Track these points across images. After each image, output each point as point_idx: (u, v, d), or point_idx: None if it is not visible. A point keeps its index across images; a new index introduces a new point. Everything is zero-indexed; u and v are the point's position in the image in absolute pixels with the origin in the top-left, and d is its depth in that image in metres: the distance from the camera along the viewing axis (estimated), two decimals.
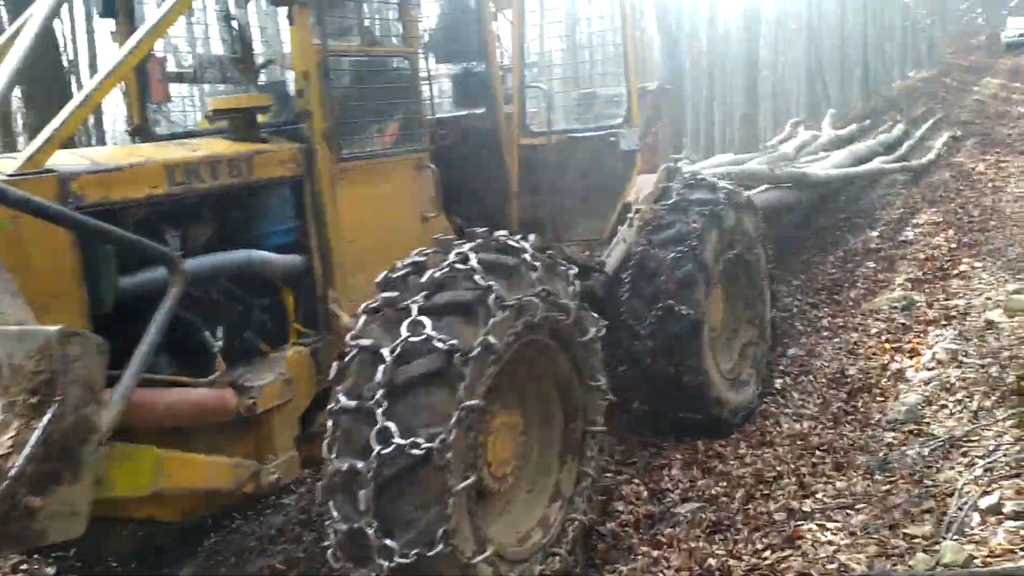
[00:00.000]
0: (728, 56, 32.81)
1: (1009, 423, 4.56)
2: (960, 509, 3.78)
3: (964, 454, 4.41)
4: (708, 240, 5.08)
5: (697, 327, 5.00)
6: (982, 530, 3.60)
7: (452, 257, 3.23)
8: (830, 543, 3.85)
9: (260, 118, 3.90)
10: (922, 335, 6.52)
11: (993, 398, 5.02)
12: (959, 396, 5.24)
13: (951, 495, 3.95)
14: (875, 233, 9.84)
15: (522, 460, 3.78)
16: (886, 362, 6.16)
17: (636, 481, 4.84)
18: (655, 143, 6.34)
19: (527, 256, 3.40)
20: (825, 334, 7.10)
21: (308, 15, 3.71)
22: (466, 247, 3.29)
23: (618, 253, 5.20)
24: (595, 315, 3.87)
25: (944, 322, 6.63)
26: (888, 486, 4.30)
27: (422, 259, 3.28)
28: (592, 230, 5.13)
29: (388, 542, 2.83)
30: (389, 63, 4.34)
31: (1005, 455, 4.17)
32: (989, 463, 4.14)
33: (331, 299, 3.87)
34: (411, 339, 2.96)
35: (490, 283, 3.12)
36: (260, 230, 3.74)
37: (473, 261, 3.19)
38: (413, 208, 4.30)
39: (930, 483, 4.18)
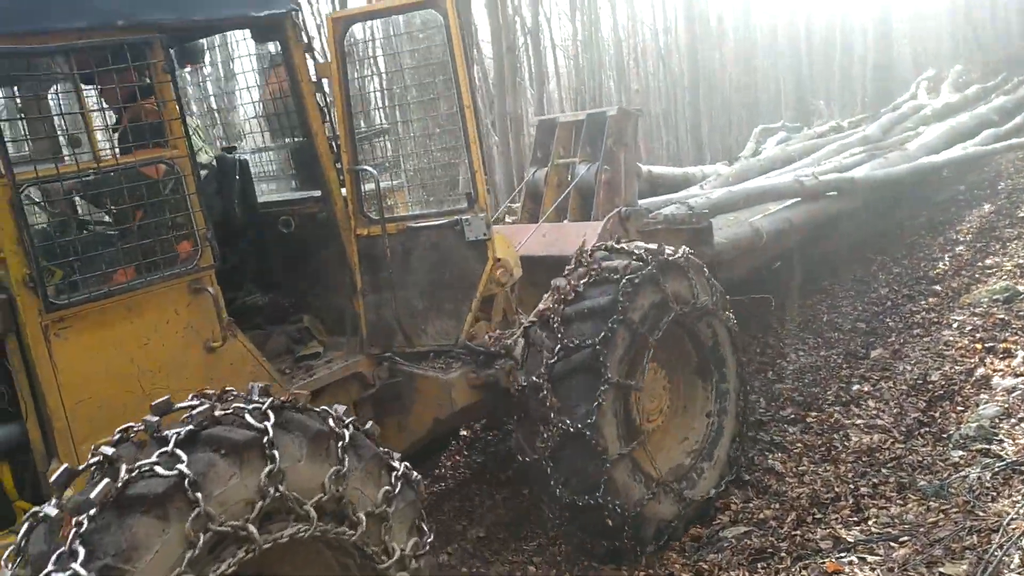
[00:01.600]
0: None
1: None
2: (1000, 548, 3.66)
3: None
4: (614, 344, 4.25)
5: (595, 448, 4.17)
6: (1020, 574, 3.49)
7: (152, 447, 2.62)
8: None
9: None
10: (1020, 333, 6.17)
11: None
12: None
13: (997, 531, 3.82)
14: (990, 208, 9.22)
15: None
16: (973, 365, 5.88)
17: None
18: (615, 178, 5.74)
19: (267, 431, 2.72)
20: (916, 332, 6.81)
21: None
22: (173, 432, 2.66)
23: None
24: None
25: None
26: (939, 515, 4.19)
27: (111, 451, 2.63)
28: (444, 333, 4.43)
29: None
30: (133, 175, 3.52)
31: None
32: None
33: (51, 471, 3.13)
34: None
35: (190, 475, 2.51)
36: None
37: (175, 449, 2.59)
38: (188, 342, 3.67)
39: (981, 514, 4.05)
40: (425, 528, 3.19)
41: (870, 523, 4.34)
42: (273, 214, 4.71)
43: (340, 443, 2.88)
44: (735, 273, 6.98)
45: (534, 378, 4.24)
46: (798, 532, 4.41)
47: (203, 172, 4.28)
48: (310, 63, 4.32)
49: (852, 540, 4.18)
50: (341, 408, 3.07)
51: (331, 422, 2.93)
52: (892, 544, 4.05)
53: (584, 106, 27.21)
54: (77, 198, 3.89)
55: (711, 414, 4.98)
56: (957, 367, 5.93)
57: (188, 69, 5.11)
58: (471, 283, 4.37)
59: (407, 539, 3.08)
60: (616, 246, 4.63)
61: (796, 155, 10.63)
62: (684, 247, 4.81)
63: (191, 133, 4.21)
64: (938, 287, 7.60)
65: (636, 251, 4.49)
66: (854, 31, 31.14)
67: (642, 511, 4.34)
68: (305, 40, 4.21)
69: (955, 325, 6.68)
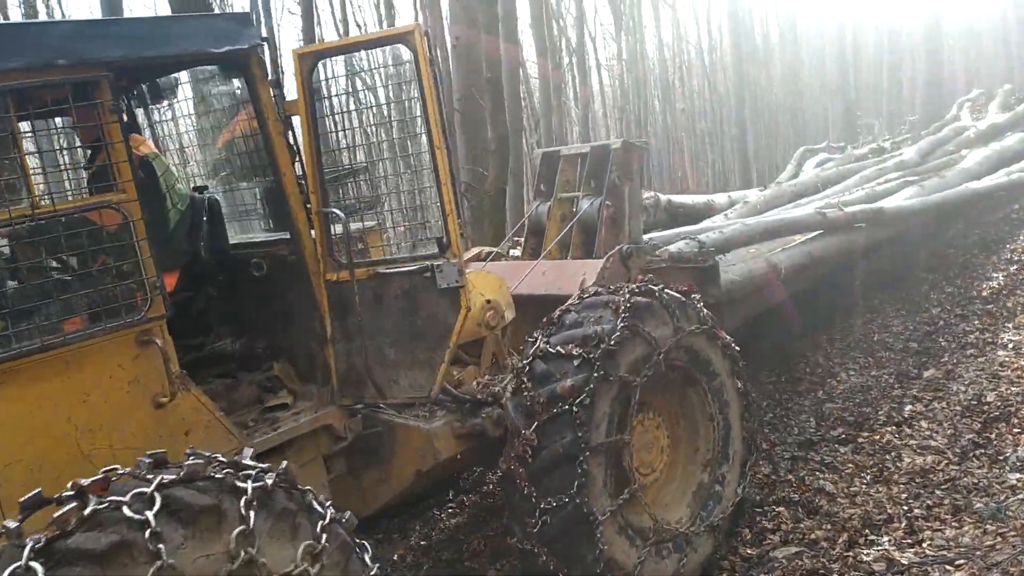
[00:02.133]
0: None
1: None
2: None
3: None
4: (598, 405, 4.02)
5: (584, 518, 3.94)
6: None
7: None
8: None
9: None
10: None
11: None
12: None
13: None
14: None
15: None
16: None
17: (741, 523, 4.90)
18: (619, 214, 5.50)
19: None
20: (970, 352, 6.70)
21: None
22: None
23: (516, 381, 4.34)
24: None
25: None
26: (996, 538, 4.12)
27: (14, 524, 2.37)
28: (417, 385, 4.15)
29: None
30: (77, 221, 3.33)
31: None
32: None
33: None
34: None
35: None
36: None
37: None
38: (133, 397, 3.43)
39: None
40: None
41: (924, 545, 4.28)
42: (244, 256, 4.49)
43: (243, 499, 2.60)
44: (751, 311, 6.75)
45: (514, 465, 4.01)
46: (850, 553, 4.37)
47: (174, 211, 4.16)
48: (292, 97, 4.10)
49: (906, 562, 4.13)
50: (248, 452, 2.89)
51: (235, 478, 2.65)
52: (948, 567, 4.00)
53: (629, 126, 27.27)
54: (19, 244, 3.58)
55: (713, 417, 4.70)
56: (1013, 388, 5.82)
57: (159, 106, 4.92)
58: (444, 333, 4.05)
59: None
60: (590, 299, 4.35)
61: (831, 180, 10.32)
62: (658, 283, 4.50)
63: (167, 170, 4.20)
64: (992, 307, 7.46)
65: (611, 303, 4.21)
66: (903, 48, 30.79)
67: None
68: (272, 76, 4.01)
69: (1010, 345, 6.55)
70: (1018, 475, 4.71)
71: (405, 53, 3.93)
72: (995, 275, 8.22)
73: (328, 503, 2.90)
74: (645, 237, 6.44)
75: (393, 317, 4.10)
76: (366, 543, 3.00)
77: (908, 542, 4.36)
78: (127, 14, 12.66)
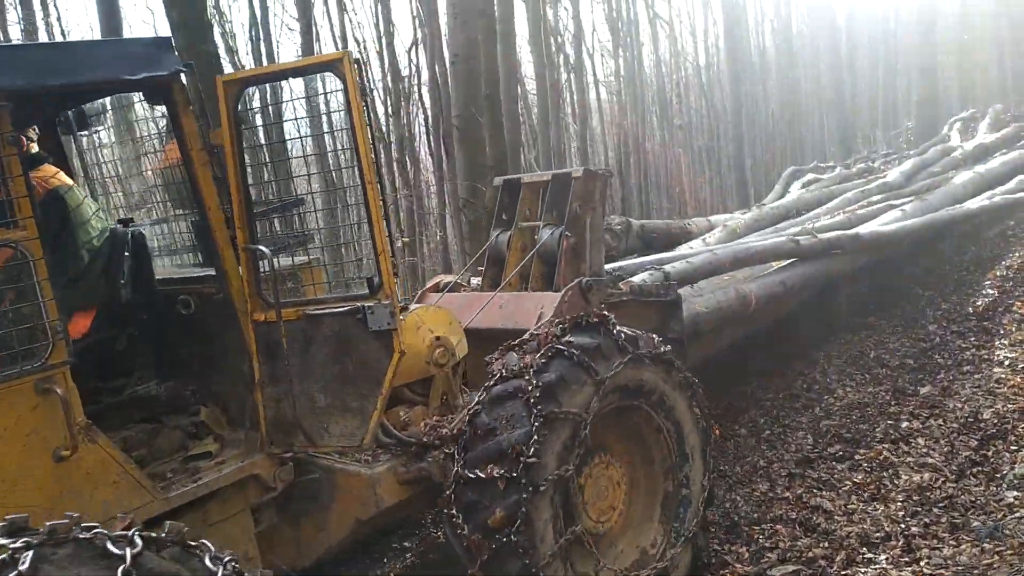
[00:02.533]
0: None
1: None
2: None
3: None
4: (537, 519, 3.73)
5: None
6: None
7: None
8: None
9: None
10: None
11: None
12: None
13: None
14: None
15: None
16: None
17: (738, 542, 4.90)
18: (580, 244, 5.27)
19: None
20: (966, 369, 6.72)
21: None
22: None
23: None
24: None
25: None
26: (994, 557, 4.12)
27: None
28: (349, 434, 3.94)
29: None
30: None
31: None
32: None
33: None
34: None
35: None
36: None
37: None
38: (32, 451, 3.18)
39: None
40: None
41: (922, 564, 4.28)
42: (172, 293, 4.23)
43: (120, 568, 2.29)
44: (720, 343, 6.60)
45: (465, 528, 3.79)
46: (848, 572, 4.38)
47: (89, 246, 3.97)
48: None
49: None
50: (125, 517, 2.71)
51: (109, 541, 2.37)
52: None
53: (627, 142, 27.37)
54: None
55: (660, 427, 4.45)
56: (1010, 405, 5.84)
57: (86, 133, 4.69)
58: (376, 378, 3.84)
59: None
60: (498, 387, 4.00)
61: (814, 203, 10.20)
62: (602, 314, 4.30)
63: (82, 204, 3.97)
64: (988, 323, 7.49)
65: (521, 391, 3.88)
66: (898, 65, 31.03)
67: None
68: (197, 104, 3.85)
69: (1007, 362, 6.58)
70: (1015, 493, 4.71)
71: (336, 82, 3.74)
72: (990, 291, 8.26)
73: (229, 559, 2.60)
74: (613, 265, 6.32)
75: (323, 361, 3.89)
76: None
77: (905, 560, 4.37)
78: (127, 30, 12.73)
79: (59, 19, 16.86)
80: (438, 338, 4.51)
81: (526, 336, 4.23)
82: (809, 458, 5.86)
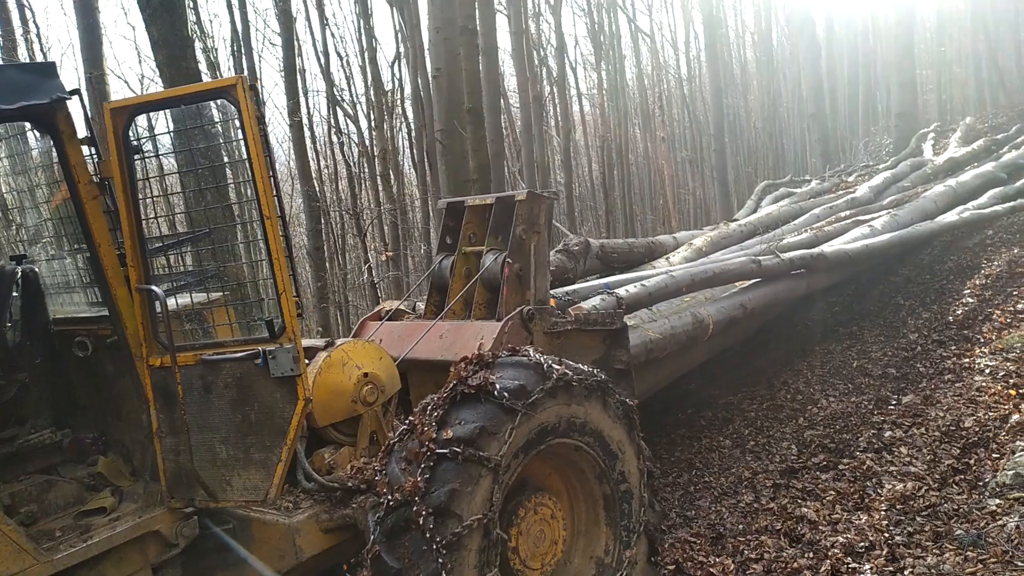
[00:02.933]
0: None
1: None
2: None
3: None
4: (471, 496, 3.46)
5: None
6: None
7: None
8: None
9: None
10: None
11: None
12: None
13: None
14: (1019, 251, 9.16)
15: None
16: (1008, 412, 5.82)
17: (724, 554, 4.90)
18: (524, 271, 5.01)
19: None
20: (948, 377, 6.76)
21: None
22: None
23: None
24: None
25: None
26: (977, 565, 4.13)
27: None
28: (252, 488, 3.68)
29: None
30: None
31: None
32: None
33: None
34: None
35: None
36: None
37: None
38: None
39: (1020, 564, 4.00)
40: None
41: (906, 573, 4.29)
42: (68, 334, 3.97)
43: None
44: (676, 370, 6.34)
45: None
46: None
47: None
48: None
49: None
50: None
51: None
52: None
53: (611, 154, 27.48)
54: None
55: (581, 447, 4.08)
56: (991, 413, 5.87)
57: None
58: (280, 428, 3.60)
59: None
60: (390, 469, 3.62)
61: (783, 218, 10.06)
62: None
63: None
64: (968, 332, 7.54)
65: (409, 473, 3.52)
66: (877, 76, 31.35)
67: None
68: (86, 134, 3.60)
69: (987, 371, 6.62)
70: (998, 501, 4.73)
71: (230, 109, 3.52)
72: (970, 301, 8.32)
73: None
74: (566, 289, 6.12)
75: (223, 409, 3.64)
76: None
77: (890, 570, 4.37)
78: (107, 46, 12.66)
79: (39, 35, 16.81)
80: (366, 374, 4.32)
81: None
82: (794, 468, 5.88)
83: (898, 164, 12.94)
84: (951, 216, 9.43)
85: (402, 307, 5.68)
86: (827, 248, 7.90)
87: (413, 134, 20.42)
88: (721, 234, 9.21)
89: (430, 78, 15.04)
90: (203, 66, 17.54)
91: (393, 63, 22.45)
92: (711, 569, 4.76)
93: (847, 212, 9.88)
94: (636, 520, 4.27)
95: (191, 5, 15.16)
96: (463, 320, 5.16)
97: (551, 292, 5.45)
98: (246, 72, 17.73)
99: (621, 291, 5.99)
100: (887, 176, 11.82)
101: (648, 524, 4.34)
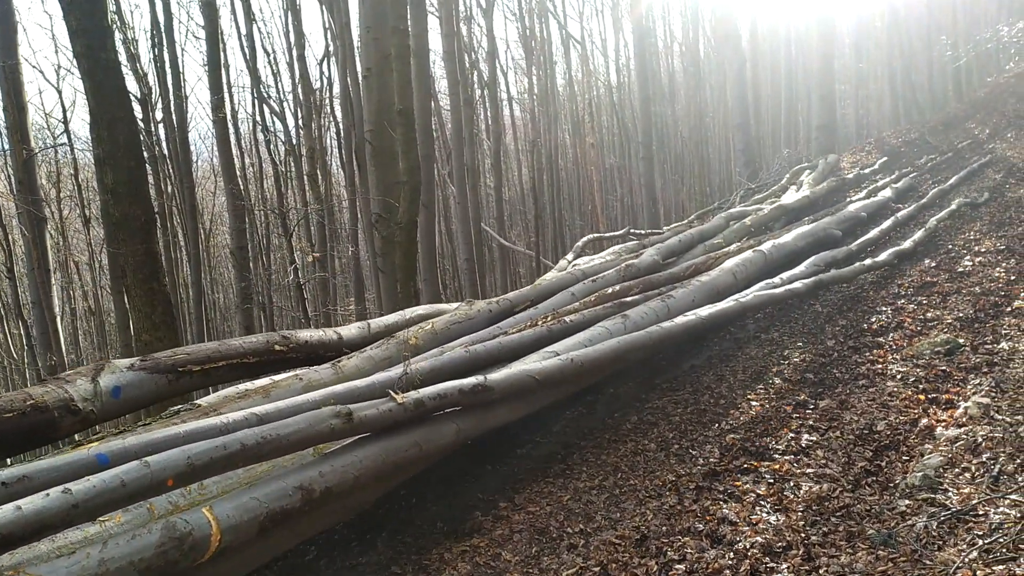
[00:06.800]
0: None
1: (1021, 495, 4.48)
2: None
3: (968, 530, 4.35)
4: None
5: None
6: None
7: None
8: None
9: None
10: (962, 384, 6.39)
11: (1018, 461, 4.93)
12: (984, 459, 5.15)
13: None
14: (931, 263, 9.58)
15: None
16: (917, 416, 6.06)
17: (648, 555, 4.96)
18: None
19: None
20: (862, 383, 7.00)
21: None
22: None
23: None
24: None
25: (986, 370, 6.48)
26: (888, 564, 4.28)
27: None
28: None
29: None
30: None
31: (1005, 535, 4.11)
32: (989, 543, 4.09)
33: None
34: None
35: None
36: None
37: None
38: None
39: (928, 563, 4.16)
40: None
41: (821, 572, 4.42)
42: None
43: None
44: None
45: None
46: None
47: None
48: None
49: None
50: None
51: None
52: None
53: (540, 158, 27.62)
54: None
55: None
56: (902, 417, 6.10)
57: None
58: None
59: None
60: None
61: (577, 278, 8.18)
62: None
63: None
64: (881, 339, 7.83)
65: None
66: (800, 90, 32.30)
67: None
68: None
69: (899, 376, 6.88)
70: (907, 501, 4.92)
71: None
72: (884, 309, 8.64)
73: None
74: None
75: None
76: None
77: (806, 569, 4.49)
78: (21, 34, 12.17)
79: None
80: None
81: None
82: (716, 471, 6.00)
83: (715, 215, 10.86)
84: (727, 303, 7.49)
85: None
86: (498, 375, 5.63)
87: (342, 134, 20.16)
88: (451, 320, 6.85)
89: (360, 78, 14.88)
90: (123, 58, 16.98)
91: (322, 61, 22.14)
92: (635, 570, 4.82)
93: (617, 287, 7.79)
94: None
95: None
96: None
97: None
98: (168, 65, 17.23)
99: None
100: (688, 236, 9.64)
101: None
